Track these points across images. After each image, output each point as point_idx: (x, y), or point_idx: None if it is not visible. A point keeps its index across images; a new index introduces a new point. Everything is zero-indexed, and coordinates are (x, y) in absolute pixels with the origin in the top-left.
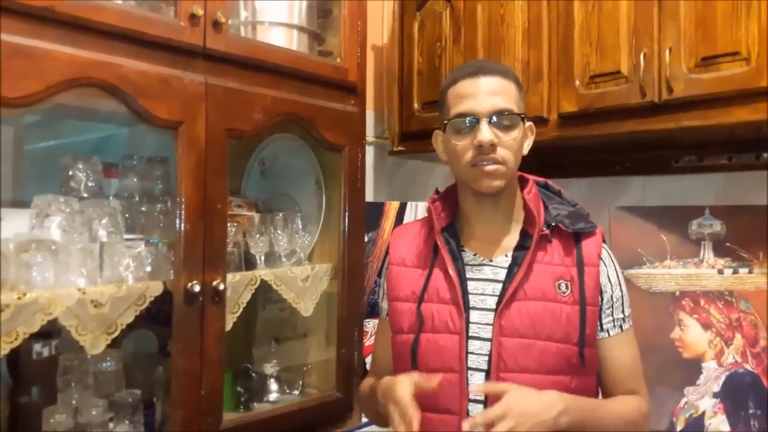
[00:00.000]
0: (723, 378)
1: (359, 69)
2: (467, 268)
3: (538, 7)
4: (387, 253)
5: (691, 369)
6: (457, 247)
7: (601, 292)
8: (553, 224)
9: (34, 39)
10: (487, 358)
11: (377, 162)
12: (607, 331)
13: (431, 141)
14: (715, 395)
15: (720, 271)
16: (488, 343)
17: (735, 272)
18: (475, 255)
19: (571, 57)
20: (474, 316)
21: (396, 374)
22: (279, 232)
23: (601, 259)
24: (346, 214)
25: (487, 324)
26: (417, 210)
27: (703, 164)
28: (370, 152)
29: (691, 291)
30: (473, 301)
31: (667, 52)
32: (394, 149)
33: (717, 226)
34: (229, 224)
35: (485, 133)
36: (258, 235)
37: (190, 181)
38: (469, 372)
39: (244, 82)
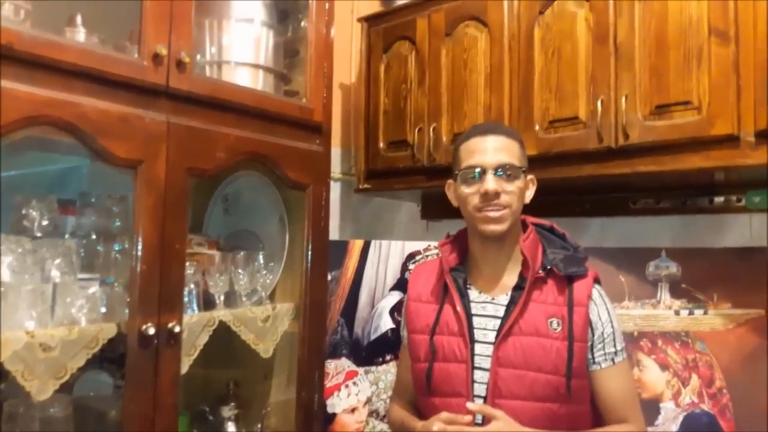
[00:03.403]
0: (681, 418)
1: (325, 109)
2: (473, 305)
3: (499, 53)
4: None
5: (650, 409)
6: (464, 286)
7: (591, 329)
8: (549, 267)
9: None
10: (486, 386)
11: (344, 198)
12: (599, 363)
13: (397, 179)
14: None
15: (677, 312)
16: (488, 373)
17: (691, 313)
18: (480, 293)
19: (531, 102)
20: (478, 348)
21: (417, 397)
22: (240, 270)
23: (592, 299)
24: (309, 252)
25: (488, 356)
26: (381, 249)
27: (660, 207)
28: (336, 188)
29: (649, 332)
30: (477, 335)
31: (624, 99)
32: (360, 187)
33: (673, 268)
34: (188, 263)
35: (490, 182)
36: (218, 274)
37: (147, 220)
38: (474, 398)
39: (208, 122)
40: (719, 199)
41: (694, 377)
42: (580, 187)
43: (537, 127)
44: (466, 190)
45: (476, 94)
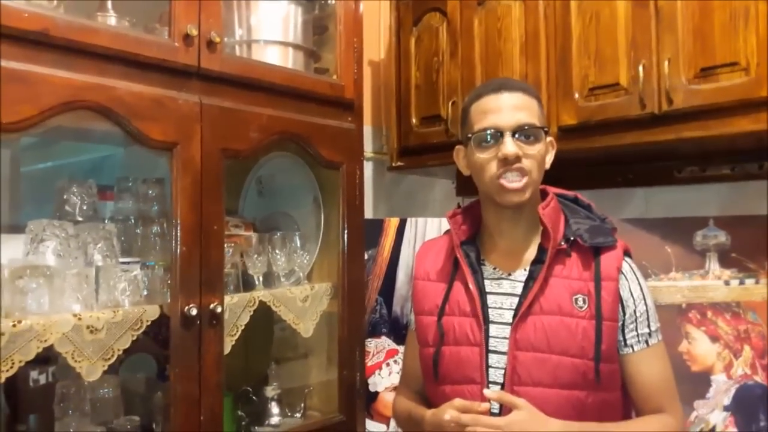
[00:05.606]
0: (733, 391)
1: (356, 86)
2: (487, 282)
3: (535, 20)
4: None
5: (701, 382)
6: (477, 261)
7: (623, 307)
8: (572, 238)
9: (28, 63)
10: (503, 371)
11: (376, 178)
12: (631, 346)
13: (431, 156)
14: (726, 408)
15: (726, 282)
16: (505, 357)
17: (741, 283)
18: (494, 269)
19: (570, 70)
20: (493, 329)
21: (426, 386)
22: (277, 251)
23: (622, 272)
24: (345, 231)
25: (504, 338)
26: (417, 226)
27: (706, 174)
28: (368, 168)
29: (698, 303)
30: (492, 314)
31: (666, 63)
32: (393, 165)
33: (722, 237)
34: (226, 245)
35: (509, 145)
36: (256, 256)
37: (185, 202)
38: (489, 385)
39: (240, 102)
40: None
41: (746, 348)
42: (622, 156)
43: (576, 95)
44: (480, 155)
45: (512, 63)
